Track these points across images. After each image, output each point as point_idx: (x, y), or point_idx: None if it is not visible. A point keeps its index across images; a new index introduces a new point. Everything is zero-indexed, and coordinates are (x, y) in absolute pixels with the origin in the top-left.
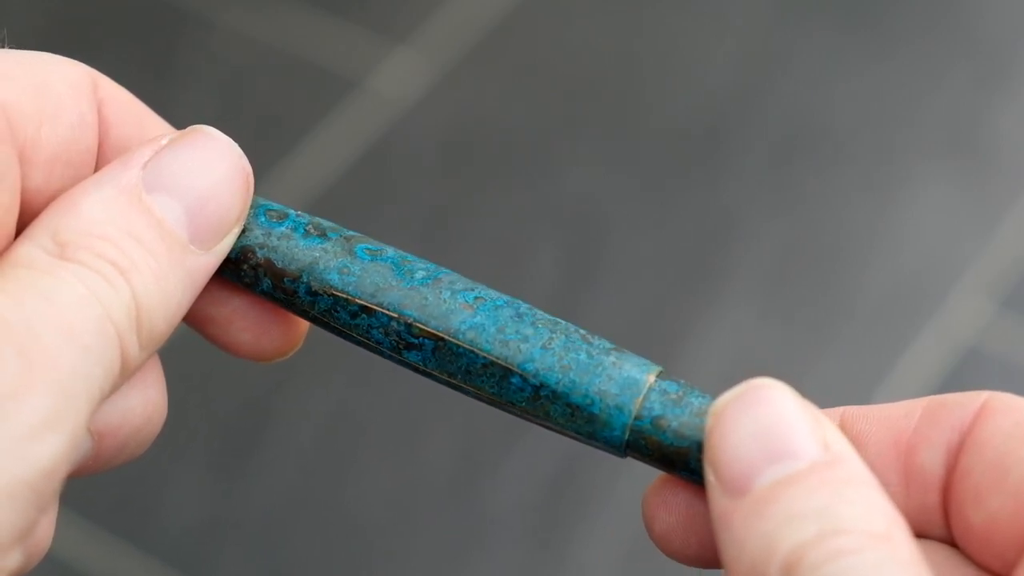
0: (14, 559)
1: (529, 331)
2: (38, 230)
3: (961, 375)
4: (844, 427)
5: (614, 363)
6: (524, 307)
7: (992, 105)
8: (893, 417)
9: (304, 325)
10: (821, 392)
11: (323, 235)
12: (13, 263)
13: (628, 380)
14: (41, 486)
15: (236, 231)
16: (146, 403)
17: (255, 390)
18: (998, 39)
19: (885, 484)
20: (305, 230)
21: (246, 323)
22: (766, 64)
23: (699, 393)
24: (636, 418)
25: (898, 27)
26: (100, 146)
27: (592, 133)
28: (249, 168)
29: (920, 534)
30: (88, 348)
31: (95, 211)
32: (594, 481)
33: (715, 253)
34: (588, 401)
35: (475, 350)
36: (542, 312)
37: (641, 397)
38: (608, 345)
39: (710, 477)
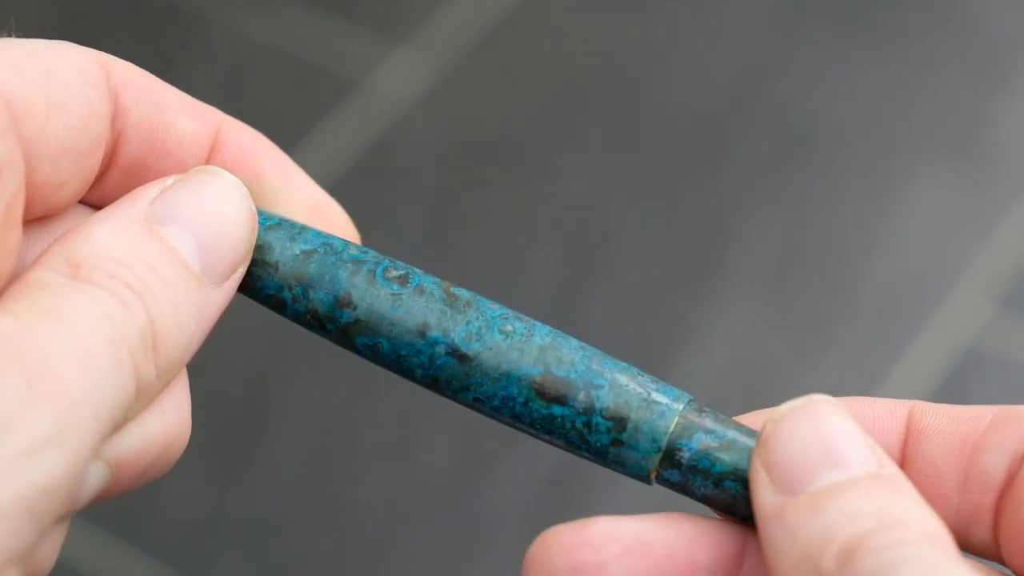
0: None
1: (530, 431)
2: (51, 256)
3: (961, 375)
4: (912, 419)
5: (616, 460)
6: (519, 402)
7: (992, 106)
8: (962, 418)
9: None
10: (822, 392)
11: (321, 326)
12: (27, 284)
13: (635, 471)
14: (38, 505)
15: (242, 270)
16: (167, 430)
17: (255, 390)
18: (999, 40)
19: (943, 477)
20: (297, 317)
21: None
22: (768, 65)
23: (702, 479)
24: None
25: (900, 28)
26: (121, 133)
27: (592, 133)
28: (254, 208)
29: (966, 531)
30: (98, 369)
31: (108, 237)
32: (593, 483)
33: (715, 253)
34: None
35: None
36: (537, 405)
37: (651, 484)
38: (606, 431)
39: (761, 476)
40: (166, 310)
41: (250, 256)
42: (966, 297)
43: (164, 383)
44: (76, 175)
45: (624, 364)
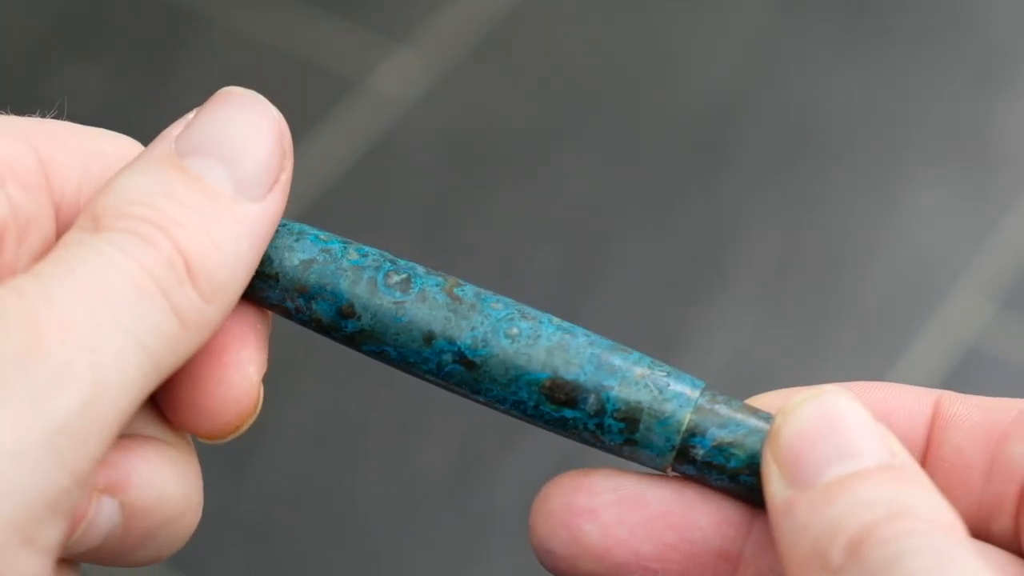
0: (55, 531)
1: (546, 429)
2: (79, 217)
3: (961, 375)
4: (940, 407)
5: (631, 457)
6: (530, 406)
7: (993, 106)
8: (990, 408)
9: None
10: None
11: (327, 334)
12: (55, 247)
13: (650, 467)
14: (58, 445)
15: (284, 179)
16: (186, 494)
17: None
18: (1000, 41)
19: (969, 466)
20: (304, 324)
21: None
22: (768, 65)
23: (717, 473)
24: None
25: (900, 28)
26: None
27: (592, 133)
28: (279, 115)
29: (989, 521)
30: (114, 303)
31: (129, 184)
32: None
33: (716, 254)
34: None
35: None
36: (548, 408)
37: (668, 475)
38: (619, 431)
39: (772, 470)
40: (196, 234)
41: (289, 163)
42: (966, 297)
43: (221, 309)
44: None
45: (636, 355)
